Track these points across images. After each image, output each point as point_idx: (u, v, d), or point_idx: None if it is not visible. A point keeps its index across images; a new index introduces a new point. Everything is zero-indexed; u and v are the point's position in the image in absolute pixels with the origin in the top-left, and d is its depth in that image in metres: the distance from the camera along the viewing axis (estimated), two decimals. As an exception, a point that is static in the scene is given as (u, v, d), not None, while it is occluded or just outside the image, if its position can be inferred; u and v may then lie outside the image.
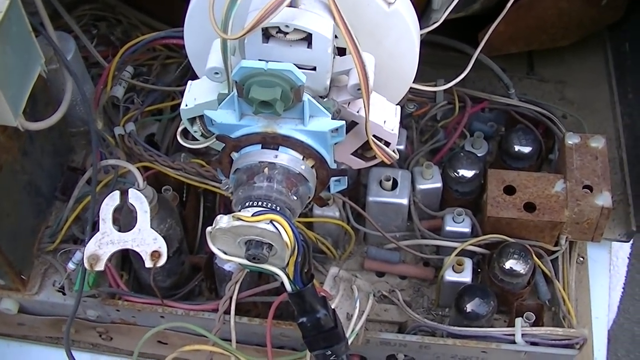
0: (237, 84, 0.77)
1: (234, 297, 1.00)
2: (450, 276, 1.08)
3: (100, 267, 0.98)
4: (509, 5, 1.08)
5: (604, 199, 1.08)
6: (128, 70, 1.20)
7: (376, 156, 0.88)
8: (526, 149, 1.17)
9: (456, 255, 1.09)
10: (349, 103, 0.85)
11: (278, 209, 0.77)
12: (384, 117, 0.87)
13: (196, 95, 0.87)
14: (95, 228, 1.01)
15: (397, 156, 0.89)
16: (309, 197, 0.83)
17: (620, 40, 1.32)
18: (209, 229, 0.78)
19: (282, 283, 0.82)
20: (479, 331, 1.01)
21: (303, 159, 0.81)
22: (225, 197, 1.15)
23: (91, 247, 0.99)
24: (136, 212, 1.00)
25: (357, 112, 0.85)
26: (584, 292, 1.14)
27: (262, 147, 0.80)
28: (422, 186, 1.14)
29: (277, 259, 0.79)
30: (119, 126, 1.14)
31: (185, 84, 1.16)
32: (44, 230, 1.11)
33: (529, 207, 1.08)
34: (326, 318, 0.84)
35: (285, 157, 0.79)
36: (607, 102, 1.32)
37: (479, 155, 1.18)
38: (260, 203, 0.77)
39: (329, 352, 0.86)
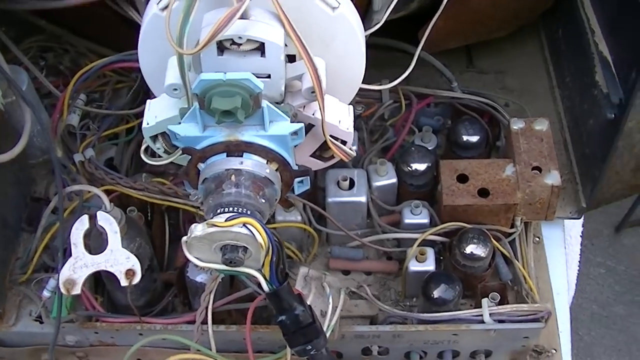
0: (198, 97, 0.80)
1: (210, 307, 1.03)
2: (414, 266, 1.12)
3: (76, 290, 1.00)
4: (445, 1, 1.13)
5: (553, 178, 1.13)
6: (81, 98, 1.22)
7: (334, 155, 0.92)
8: (474, 138, 1.21)
9: (418, 245, 1.13)
10: (304, 107, 0.89)
11: (248, 212, 0.80)
12: (339, 117, 0.90)
13: (156, 113, 0.90)
14: (66, 254, 1.03)
15: (354, 153, 0.93)
16: (276, 199, 0.86)
17: (554, 26, 1.37)
18: (184, 238, 0.81)
19: (259, 284, 0.85)
20: (448, 315, 1.05)
21: (267, 163, 0.84)
22: (188, 212, 1.17)
23: (66, 272, 1.00)
24: (106, 234, 1.02)
25: (313, 114, 0.89)
26: (542, 270, 1.18)
27: (227, 156, 0.83)
28: (378, 183, 1.18)
29: (253, 261, 0.82)
30: (78, 153, 1.15)
31: (137, 106, 1.21)
32: (14, 262, 1.12)
33: (483, 192, 1.13)
34: (304, 314, 0.87)
35: (250, 163, 0.83)
36: (547, 88, 1.37)
37: (429, 148, 1.23)
38: (231, 209, 0.80)
39: (309, 347, 0.89)
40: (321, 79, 0.84)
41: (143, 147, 0.93)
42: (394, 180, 1.18)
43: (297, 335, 0.88)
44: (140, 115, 1.20)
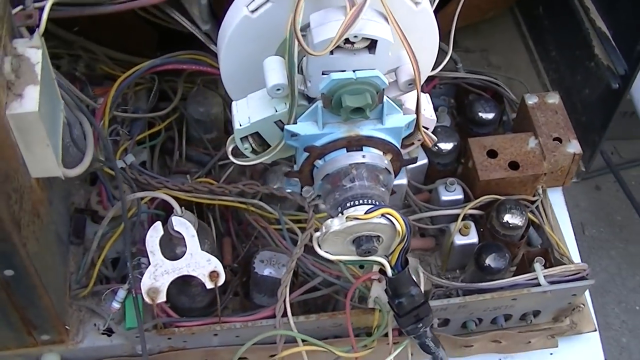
0: (324, 96, 0.82)
1: (287, 300, 1.05)
2: (459, 240, 1.19)
3: (161, 298, 1.00)
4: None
5: (574, 147, 1.22)
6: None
7: (422, 141, 0.96)
8: (490, 115, 1.29)
9: (459, 220, 1.19)
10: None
11: (377, 203, 0.84)
12: (424, 105, 0.95)
13: (249, 114, 0.91)
14: (126, 262, 1.03)
15: (436, 138, 0.97)
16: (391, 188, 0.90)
17: (532, 4, 1.46)
18: (317, 234, 0.84)
19: (381, 270, 0.89)
20: (506, 282, 1.12)
21: (383, 155, 0.87)
22: (231, 209, 1.18)
23: (147, 281, 1.00)
24: (175, 239, 1.03)
25: (403, 106, 0.93)
26: (559, 232, 1.27)
27: (347, 151, 0.86)
28: (410, 165, 1.23)
29: (382, 248, 0.86)
30: (118, 160, 1.14)
31: (161, 109, 1.21)
32: (70, 277, 1.10)
33: (513, 165, 1.20)
34: (419, 294, 0.92)
35: (371, 156, 0.86)
36: (528, 62, 1.46)
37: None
38: (361, 201, 0.83)
39: (420, 325, 0.94)
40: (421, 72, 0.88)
41: (230, 148, 0.93)
42: (425, 161, 1.24)
43: (410, 315, 0.92)
44: (166, 117, 1.22)
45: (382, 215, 0.82)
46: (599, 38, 1.27)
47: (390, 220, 0.82)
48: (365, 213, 0.81)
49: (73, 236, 1.13)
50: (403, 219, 0.83)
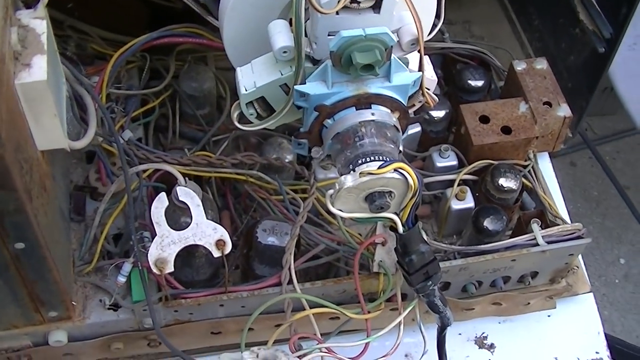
0: (334, 54, 0.83)
1: (292, 267, 1.05)
2: (456, 205, 1.20)
3: (170, 268, 1.00)
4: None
5: (564, 110, 1.24)
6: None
7: (421, 102, 0.97)
8: (480, 82, 1.30)
9: (455, 185, 1.20)
10: (397, 58, 0.93)
11: (388, 159, 0.85)
12: (425, 67, 0.96)
13: (254, 79, 0.91)
14: (132, 236, 1.03)
15: (437, 99, 0.98)
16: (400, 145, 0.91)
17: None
18: (330, 191, 0.85)
19: (391, 227, 0.90)
20: (506, 243, 1.13)
21: (391, 112, 0.88)
22: (228, 184, 1.19)
23: (154, 251, 1.00)
24: (179, 210, 1.03)
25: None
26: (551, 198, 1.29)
27: (356, 109, 0.87)
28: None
29: (393, 205, 0.87)
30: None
31: (154, 86, 1.21)
32: (73, 254, 1.09)
33: (506, 130, 1.22)
34: (429, 251, 0.93)
35: (380, 114, 0.87)
36: (510, 32, 1.48)
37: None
38: (373, 157, 0.84)
39: (430, 282, 0.95)
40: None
41: (236, 114, 0.94)
42: (419, 129, 1.25)
43: (420, 273, 0.93)
44: (159, 94, 1.22)
45: (395, 170, 0.83)
46: (583, 4, 1.29)
47: (403, 175, 0.83)
48: (378, 168, 0.82)
49: (73, 213, 1.12)
50: (415, 173, 0.84)
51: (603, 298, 2.32)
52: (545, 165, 1.35)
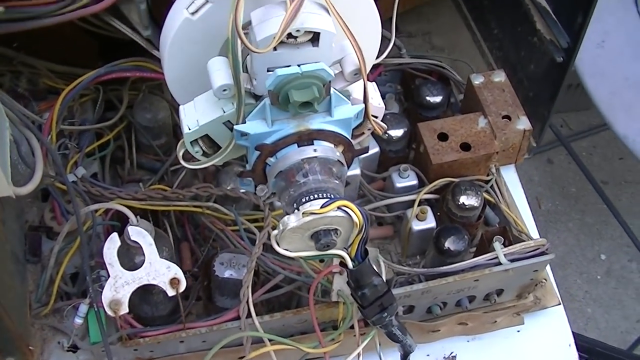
0: (271, 93, 0.82)
1: (250, 300, 1.04)
2: (417, 226, 1.19)
3: (124, 310, 0.99)
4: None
5: (523, 123, 1.23)
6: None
7: (371, 130, 0.96)
8: (438, 98, 1.29)
9: (415, 205, 1.19)
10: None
11: (333, 196, 0.83)
12: (371, 94, 0.95)
13: (197, 117, 0.90)
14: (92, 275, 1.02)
15: (386, 126, 0.97)
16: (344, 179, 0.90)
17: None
18: (274, 232, 0.83)
19: (341, 262, 0.89)
20: (467, 264, 1.12)
21: (335, 147, 0.87)
22: (187, 214, 1.18)
23: (108, 293, 0.99)
24: (133, 249, 1.02)
25: (350, 96, 0.92)
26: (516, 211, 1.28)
27: (298, 146, 0.86)
28: (363, 155, 1.23)
29: (340, 241, 0.85)
30: (69, 174, 1.12)
31: (108, 118, 1.20)
32: (30, 296, 1.08)
33: (465, 146, 1.21)
34: (382, 283, 0.91)
35: (324, 149, 0.86)
36: (471, 42, 1.47)
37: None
38: (316, 195, 0.83)
39: (385, 314, 0.93)
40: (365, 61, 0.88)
41: (181, 152, 0.93)
42: (377, 149, 1.24)
43: (374, 305, 0.92)
44: (114, 127, 1.21)
45: (338, 207, 0.81)
46: (540, 13, 1.27)
47: (347, 212, 0.82)
48: (321, 207, 0.81)
49: (29, 254, 1.11)
50: (359, 210, 0.82)
51: (586, 295, 2.31)
52: (510, 177, 1.33)
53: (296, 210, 0.83)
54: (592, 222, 2.44)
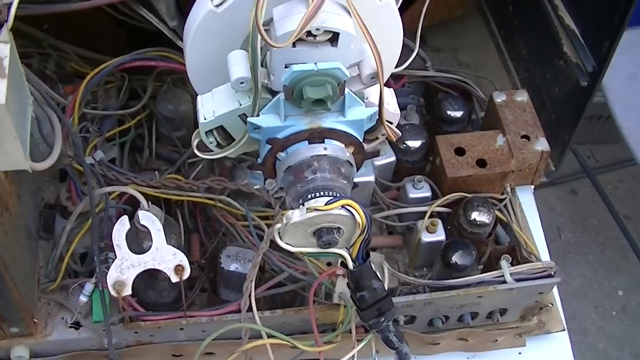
0: (286, 88, 0.83)
1: (253, 295, 1.05)
2: (426, 237, 1.19)
3: (127, 291, 1.01)
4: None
5: (541, 144, 1.23)
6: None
7: (386, 136, 0.96)
8: (458, 113, 1.30)
9: (426, 217, 1.19)
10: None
11: (338, 195, 0.84)
12: (387, 100, 0.95)
13: (214, 107, 0.91)
14: (94, 257, 1.04)
15: (400, 133, 0.98)
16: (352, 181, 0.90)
17: (502, 3, 1.47)
18: (277, 225, 0.84)
19: (342, 262, 0.89)
20: (473, 279, 1.12)
21: (345, 147, 0.88)
22: (199, 206, 1.19)
23: (113, 274, 1.01)
24: (142, 233, 1.03)
25: (366, 99, 0.93)
26: (528, 232, 1.28)
27: (309, 143, 0.87)
28: (378, 162, 1.24)
29: (343, 241, 0.86)
30: (88, 156, 1.14)
31: (131, 107, 1.21)
32: (39, 271, 1.10)
33: (481, 163, 1.21)
34: (381, 287, 0.92)
35: (333, 148, 0.86)
36: (498, 61, 1.48)
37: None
38: (322, 193, 0.84)
39: (383, 319, 0.94)
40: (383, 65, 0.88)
41: (196, 142, 0.94)
42: (393, 158, 1.24)
43: (372, 309, 0.93)
44: (136, 115, 1.22)
45: (342, 206, 0.82)
46: (568, 36, 1.28)
47: (350, 212, 0.82)
48: (326, 204, 0.82)
49: (42, 231, 1.13)
50: (363, 211, 0.83)
51: (599, 330, 2.29)
52: (526, 199, 1.33)
53: (301, 206, 0.84)
54: (611, 256, 2.42)
